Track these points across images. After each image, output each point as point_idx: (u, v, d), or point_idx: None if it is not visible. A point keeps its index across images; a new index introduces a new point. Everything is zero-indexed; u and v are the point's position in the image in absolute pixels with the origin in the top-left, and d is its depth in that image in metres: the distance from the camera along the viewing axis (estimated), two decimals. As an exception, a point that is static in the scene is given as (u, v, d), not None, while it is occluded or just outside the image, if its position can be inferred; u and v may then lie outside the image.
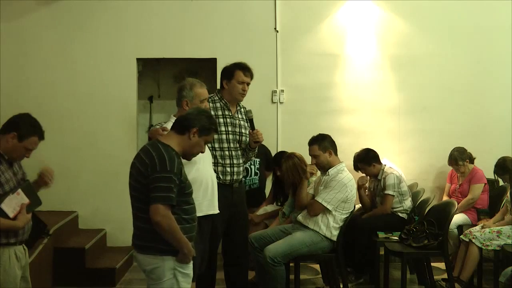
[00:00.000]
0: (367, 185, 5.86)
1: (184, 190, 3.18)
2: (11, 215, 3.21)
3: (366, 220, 5.57)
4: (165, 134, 3.38)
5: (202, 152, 3.33)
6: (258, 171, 5.94)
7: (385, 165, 5.84)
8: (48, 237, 4.47)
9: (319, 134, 4.97)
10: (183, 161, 3.28)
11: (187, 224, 3.19)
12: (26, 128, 3.36)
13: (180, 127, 3.25)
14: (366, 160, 5.75)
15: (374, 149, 5.86)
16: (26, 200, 3.29)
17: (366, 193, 5.97)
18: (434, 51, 6.61)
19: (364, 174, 5.85)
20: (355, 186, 4.91)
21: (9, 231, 3.24)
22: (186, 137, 3.23)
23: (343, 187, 4.73)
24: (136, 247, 3.25)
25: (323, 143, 4.87)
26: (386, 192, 5.56)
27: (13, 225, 3.24)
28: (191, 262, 3.26)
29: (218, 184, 4.15)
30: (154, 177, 3.07)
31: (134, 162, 3.24)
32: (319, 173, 5.04)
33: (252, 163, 5.85)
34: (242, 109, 4.59)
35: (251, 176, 5.87)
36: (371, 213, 5.71)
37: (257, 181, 5.94)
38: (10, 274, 3.28)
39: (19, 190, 3.28)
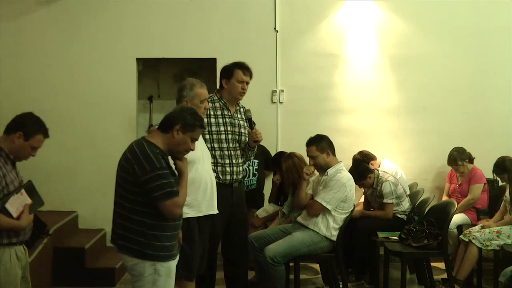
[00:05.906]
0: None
1: None
2: (14, 215, 3.21)
3: (366, 221, 5.57)
4: (151, 133, 3.36)
5: (192, 149, 3.29)
6: (256, 172, 5.93)
7: (377, 170, 5.80)
8: (48, 236, 4.47)
9: (317, 135, 4.95)
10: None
11: (173, 222, 3.19)
12: (31, 126, 3.36)
13: (164, 125, 3.24)
14: (360, 176, 5.57)
15: (361, 160, 5.79)
16: (29, 200, 3.30)
17: (362, 198, 5.97)
18: (434, 51, 6.61)
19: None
20: (354, 185, 4.90)
21: (12, 231, 3.25)
22: (170, 135, 3.20)
23: (342, 186, 4.73)
24: (119, 247, 3.24)
25: (320, 144, 4.86)
26: (385, 201, 5.55)
27: (17, 225, 3.24)
28: (175, 257, 3.26)
29: (218, 184, 4.15)
30: (148, 178, 3.06)
31: (121, 160, 3.24)
32: (317, 173, 5.04)
33: (251, 164, 5.83)
34: (241, 109, 4.60)
35: (249, 177, 5.86)
36: (372, 214, 5.70)
37: (255, 182, 5.93)
38: (10, 274, 3.27)
39: (23, 190, 3.28)
